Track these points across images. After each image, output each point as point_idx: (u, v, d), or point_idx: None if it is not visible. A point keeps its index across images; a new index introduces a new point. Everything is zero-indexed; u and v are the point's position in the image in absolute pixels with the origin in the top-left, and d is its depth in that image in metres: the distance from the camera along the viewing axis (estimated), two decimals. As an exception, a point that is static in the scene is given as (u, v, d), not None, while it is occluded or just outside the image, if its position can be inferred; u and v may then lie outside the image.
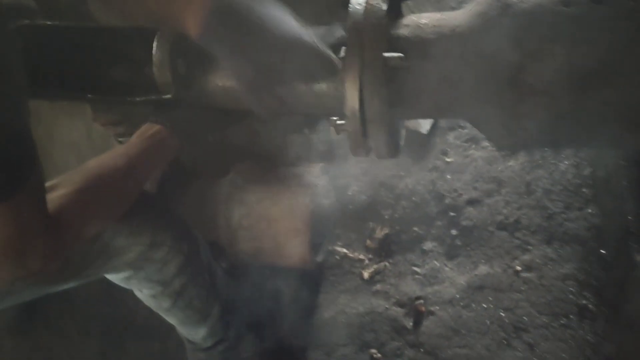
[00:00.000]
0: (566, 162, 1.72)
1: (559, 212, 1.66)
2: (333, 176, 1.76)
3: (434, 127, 1.88)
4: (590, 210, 1.63)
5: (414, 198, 1.80)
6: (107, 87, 1.18)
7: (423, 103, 1.01)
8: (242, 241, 1.59)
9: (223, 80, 1.11)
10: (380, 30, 0.96)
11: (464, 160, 1.82)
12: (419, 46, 0.97)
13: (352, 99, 0.97)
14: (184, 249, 1.31)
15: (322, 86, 1.05)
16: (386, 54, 0.95)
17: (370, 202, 1.82)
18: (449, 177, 1.80)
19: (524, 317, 1.55)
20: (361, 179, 1.85)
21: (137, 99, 1.16)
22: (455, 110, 1.02)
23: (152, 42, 1.11)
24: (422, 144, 1.86)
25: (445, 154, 1.84)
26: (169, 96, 1.14)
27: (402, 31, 0.99)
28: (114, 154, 1.09)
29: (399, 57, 0.95)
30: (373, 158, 1.66)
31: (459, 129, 1.88)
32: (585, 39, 0.86)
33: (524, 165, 1.76)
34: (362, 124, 0.99)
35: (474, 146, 1.84)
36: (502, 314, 1.57)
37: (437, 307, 1.63)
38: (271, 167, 1.69)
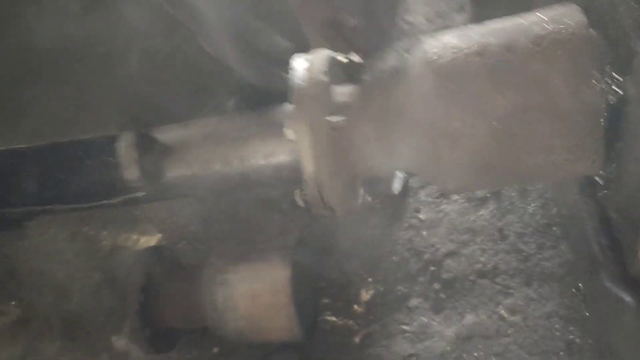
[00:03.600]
0: (533, 205, 1.79)
1: (534, 253, 1.70)
2: (313, 246, 1.81)
3: (405, 187, 1.96)
4: (562, 248, 1.68)
5: (394, 258, 1.84)
6: (78, 196, 1.25)
7: (371, 160, 1.09)
8: (229, 322, 1.61)
9: (184, 169, 1.19)
10: (322, 98, 1.05)
11: (437, 215, 1.88)
12: (357, 107, 1.06)
13: (307, 163, 1.05)
14: None
15: (279, 158, 1.13)
16: (330, 118, 1.04)
17: (353, 267, 1.86)
18: (424, 233, 1.85)
19: (515, 361, 1.56)
20: (343, 244, 1.90)
21: (114, 201, 1.23)
22: (399, 163, 1.10)
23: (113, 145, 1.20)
24: (395, 205, 1.93)
25: (418, 211, 1.91)
26: (143, 194, 1.22)
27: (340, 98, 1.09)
28: None
29: (342, 120, 1.04)
30: (349, 224, 1.74)
31: (429, 187, 1.95)
32: (502, 82, 0.95)
33: (494, 213, 1.82)
34: (318, 186, 1.06)
35: (445, 201, 1.91)
36: (493, 360, 1.58)
37: (430, 363, 1.64)
38: (250, 243, 1.74)
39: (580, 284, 1.58)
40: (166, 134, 1.20)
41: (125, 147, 1.13)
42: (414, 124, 1.02)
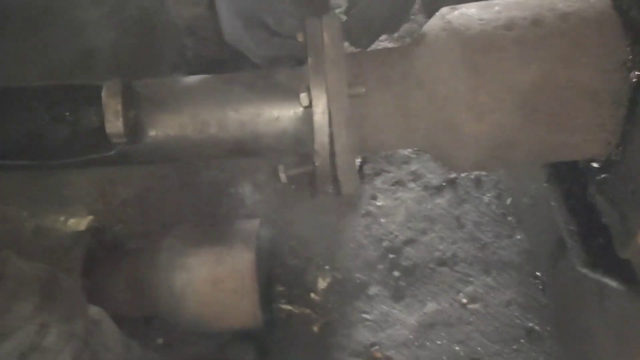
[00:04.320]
0: (489, 195, 1.83)
1: (491, 242, 1.74)
2: (271, 229, 1.73)
3: (361, 174, 1.92)
4: (518, 237, 1.73)
5: (352, 245, 1.80)
6: (46, 150, 1.08)
7: (383, 133, 1.04)
8: (186, 308, 1.49)
9: (174, 130, 1.07)
10: (341, 65, 0.98)
11: (394, 202, 1.87)
12: (375, 76, 1.00)
13: (321, 133, 0.97)
14: (79, 331, 1.07)
15: (283, 125, 1.04)
16: (350, 88, 0.98)
17: (310, 255, 1.80)
18: (382, 220, 1.83)
19: (478, 348, 1.57)
20: (297, 232, 1.83)
21: (83, 158, 1.08)
22: (414, 138, 1.05)
23: (95, 96, 1.05)
24: (351, 192, 1.89)
25: (375, 198, 1.88)
26: (112, 153, 1.07)
27: (357, 65, 1.03)
28: None
29: (361, 89, 0.97)
30: (307, 208, 1.67)
31: (385, 174, 1.94)
32: (529, 57, 0.93)
33: (451, 202, 1.84)
34: (331, 158, 0.99)
35: (401, 188, 1.90)
36: (456, 347, 1.58)
37: (393, 351, 1.61)
38: (209, 226, 1.63)
39: (538, 272, 1.63)
40: (152, 88, 1.06)
41: (108, 95, 0.99)
42: (436, 95, 0.99)
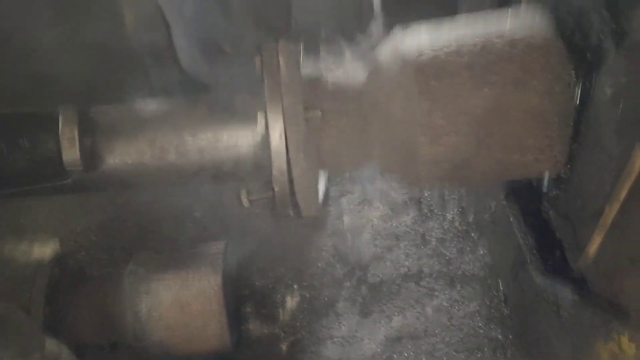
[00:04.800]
0: (452, 212, 1.88)
1: (455, 257, 1.78)
2: (237, 251, 1.73)
3: (326, 195, 1.95)
4: (481, 252, 1.77)
5: (319, 264, 1.82)
6: (2, 179, 1.08)
7: (341, 156, 1.06)
8: (153, 333, 1.48)
9: (131, 157, 1.08)
10: (297, 89, 1.01)
11: (360, 221, 1.90)
12: (332, 100, 1.03)
13: (279, 158, 0.99)
14: None
15: (241, 151, 1.06)
16: (306, 112, 1.00)
17: (277, 274, 1.81)
18: (349, 238, 1.86)
19: (444, 358, 1.60)
20: (265, 252, 1.84)
21: (38, 186, 1.07)
22: (372, 160, 1.08)
23: (51, 124, 1.05)
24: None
25: (341, 218, 1.91)
26: (69, 180, 1.07)
27: (313, 90, 1.05)
28: None
29: (317, 113, 1.00)
30: (274, 229, 1.68)
31: (350, 194, 1.97)
32: (481, 81, 0.97)
33: (416, 219, 1.87)
34: (289, 181, 1.01)
35: (366, 207, 1.93)
36: (423, 359, 1.61)
37: (361, 367, 1.63)
38: (174, 250, 1.62)
39: (500, 285, 1.67)
40: (109, 115, 1.07)
41: (64, 123, 0.99)
42: (392, 119, 1.02)
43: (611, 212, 0.99)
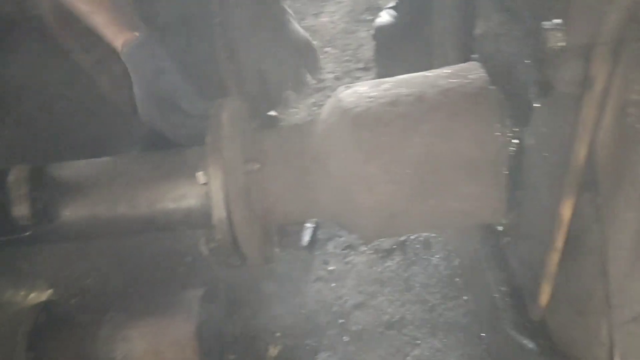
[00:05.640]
0: (437, 256, 1.86)
1: (438, 303, 1.75)
2: (219, 300, 1.75)
3: (313, 239, 1.96)
4: (465, 298, 1.74)
5: (302, 311, 1.82)
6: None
7: (289, 205, 1.08)
8: (127, 381, 1.50)
9: (84, 210, 1.12)
10: (236, 143, 1.04)
11: (345, 267, 1.89)
12: (275, 152, 1.06)
13: (218, 208, 1.02)
14: None
15: (189, 202, 1.09)
16: (245, 164, 1.03)
17: (260, 322, 1.81)
18: (333, 285, 1.85)
19: (425, 411, 1.56)
20: (247, 298, 1.85)
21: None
22: (317, 210, 1.10)
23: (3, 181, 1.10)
24: (303, 258, 1.92)
25: (326, 263, 1.91)
26: (28, 233, 1.12)
27: (256, 144, 1.09)
28: None
29: (256, 165, 1.03)
30: (263, 274, 1.69)
31: (337, 238, 1.97)
32: (412, 131, 0.99)
33: (400, 264, 1.86)
34: (230, 231, 1.03)
35: (352, 252, 1.93)
36: (403, 411, 1.57)
37: (341, 418, 1.60)
38: (154, 297, 1.65)
39: (482, 334, 1.63)
40: (65, 171, 1.12)
41: (14, 180, 1.04)
42: (330, 169, 1.04)
43: (552, 261, 0.98)
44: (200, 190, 1.08)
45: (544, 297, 1.05)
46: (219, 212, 1.02)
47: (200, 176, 1.02)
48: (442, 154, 0.98)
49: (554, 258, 0.95)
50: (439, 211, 1.02)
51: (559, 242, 0.93)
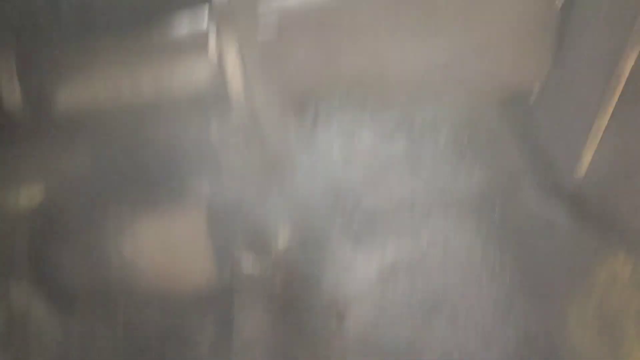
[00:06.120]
0: (444, 134, 1.79)
1: (449, 181, 1.71)
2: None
3: (315, 120, 1.87)
4: (476, 175, 1.70)
5: (309, 196, 1.76)
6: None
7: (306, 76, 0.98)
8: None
9: (83, 93, 1.00)
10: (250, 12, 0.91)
11: (349, 150, 1.82)
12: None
13: (236, 85, 0.91)
14: None
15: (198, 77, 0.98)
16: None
17: (267, 210, 1.76)
18: (339, 168, 1.79)
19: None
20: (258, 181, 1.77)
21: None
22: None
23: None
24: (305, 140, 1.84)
25: (331, 146, 1.83)
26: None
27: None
28: None
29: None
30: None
31: (340, 119, 1.88)
32: None
33: (408, 144, 1.80)
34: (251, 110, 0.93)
35: (357, 134, 1.85)
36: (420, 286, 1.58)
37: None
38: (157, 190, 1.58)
39: (498, 210, 1.61)
40: (58, 52, 0.99)
41: (3, 59, 0.91)
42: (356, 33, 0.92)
43: (603, 119, 0.90)
44: (212, 68, 0.97)
45: (586, 160, 0.99)
46: (237, 89, 0.91)
47: (212, 52, 0.90)
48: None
49: (606, 116, 0.88)
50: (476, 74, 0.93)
51: (614, 98, 0.84)
